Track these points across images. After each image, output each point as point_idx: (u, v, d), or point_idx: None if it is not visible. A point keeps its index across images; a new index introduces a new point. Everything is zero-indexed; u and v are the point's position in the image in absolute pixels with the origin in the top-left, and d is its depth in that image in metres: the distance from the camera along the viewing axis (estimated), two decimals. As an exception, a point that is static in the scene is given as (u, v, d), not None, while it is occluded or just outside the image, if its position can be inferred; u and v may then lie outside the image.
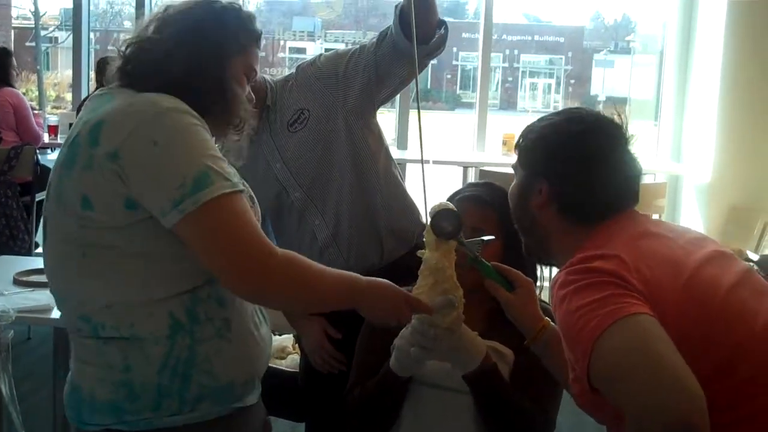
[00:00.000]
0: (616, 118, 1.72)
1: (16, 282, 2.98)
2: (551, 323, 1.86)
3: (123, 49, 1.73)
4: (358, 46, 2.52)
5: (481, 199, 2.13)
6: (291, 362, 2.89)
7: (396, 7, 2.38)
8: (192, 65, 1.68)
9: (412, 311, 1.80)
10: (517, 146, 1.77)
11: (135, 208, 1.56)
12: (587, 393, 1.45)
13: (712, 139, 5.52)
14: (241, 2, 1.84)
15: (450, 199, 2.15)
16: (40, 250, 5.72)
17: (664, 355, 1.34)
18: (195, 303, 1.64)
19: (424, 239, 1.87)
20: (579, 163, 1.66)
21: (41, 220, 1.77)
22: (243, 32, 1.78)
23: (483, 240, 1.89)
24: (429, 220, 1.84)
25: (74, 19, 6.60)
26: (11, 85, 5.80)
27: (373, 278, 1.77)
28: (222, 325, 1.67)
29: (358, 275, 1.77)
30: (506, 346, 2.05)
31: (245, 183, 1.70)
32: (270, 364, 2.50)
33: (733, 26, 5.38)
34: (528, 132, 1.76)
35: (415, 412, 2.04)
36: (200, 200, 1.52)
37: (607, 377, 1.40)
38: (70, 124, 5.89)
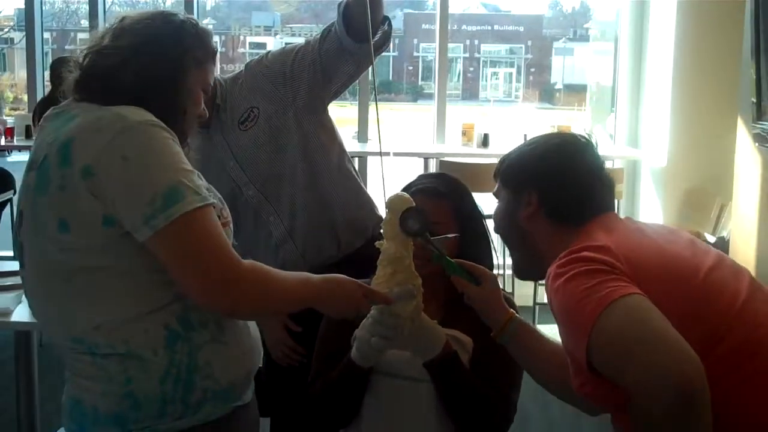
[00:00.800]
0: (585, 135, 1.92)
1: (-23, 286, 2.95)
2: (517, 315, 1.94)
3: (81, 60, 1.71)
4: (303, 42, 2.53)
5: (435, 191, 2.16)
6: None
7: (339, 4, 2.39)
8: (148, 77, 1.67)
9: (371, 302, 1.82)
10: (497, 174, 1.90)
11: (113, 224, 1.56)
12: (589, 382, 1.52)
13: (666, 124, 5.59)
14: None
15: (404, 191, 2.17)
16: (1, 253, 5.67)
17: (661, 327, 1.42)
18: (185, 310, 1.65)
19: (382, 230, 1.89)
20: (561, 168, 1.81)
21: (17, 246, 1.74)
22: (200, 48, 1.77)
23: (447, 237, 1.94)
24: (395, 216, 1.86)
25: (27, 19, 6.51)
26: None
27: (327, 275, 1.80)
28: (215, 329, 1.69)
29: (310, 275, 1.78)
30: (465, 334, 2.07)
31: (215, 192, 1.74)
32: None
33: (685, 11, 5.44)
34: (506, 158, 1.90)
35: (377, 401, 2.06)
36: (171, 216, 1.53)
37: (608, 356, 1.47)
38: (27, 126, 5.78)
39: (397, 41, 22.19)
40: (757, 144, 3.56)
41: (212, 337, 1.68)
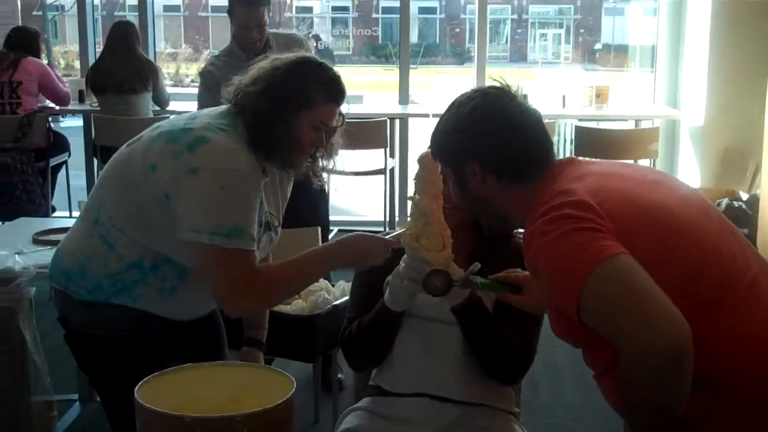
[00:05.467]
0: (495, 83, 1.86)
1: (35, 241, 3.13)
2: None
3: (233, 96, 2.15)
4: None
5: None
6: (296, 307, 3.05)
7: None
8: (263, 117, 2.08)
9: (391, 248, 2.09)
10: (434, 154, 1.91)
11: (169, 201, 2.02)
12: (571, 329, 1.61)
13: (704, 85, 5.62)
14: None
15: None
16: (58, 213, 5.90)
17: (650, 290, 1.48)
18: (163, 263, 2.12)
19: (414, 185, 2.02)
20: (488, 129, 1.78)
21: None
22: (313, 90, 2.10)
23: (473, 271, 2.00)
24: (426, 172, 1.96)
25: (77, -14, 6.72)
26: (35, 56, 5.95)
27: (344, 237, 2.17)
28: (168, 288, 2.14)
29: (328, 244, 2.16)
30: (490, 281, 2.21)
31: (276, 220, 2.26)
32: (276, 310, 2.69)
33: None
34: (434, 138, 1.89)
35: (408, 342, 2.20)
36: (225, 245, 1.98)
37: (600, 315, 1.53)
38: (80, 91, 5.95)
39: (444, 3, 22.02)
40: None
41: (160, 290, 2.13)
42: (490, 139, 1.78)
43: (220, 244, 1.97)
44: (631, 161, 5.02)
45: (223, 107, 2.18)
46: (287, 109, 2.09)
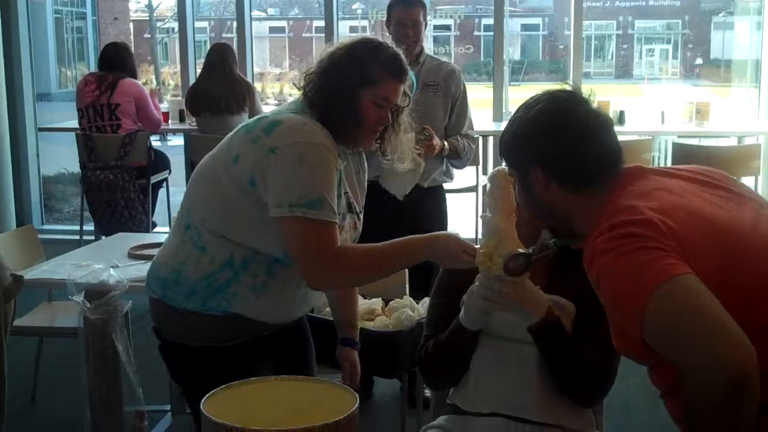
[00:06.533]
0: (566, 87, 1.83)
1: (130, 255, 3.25)
2: None
3: (302, 80, 2.24)
4: None
5: None
6: (379, 324, 3.05)
7: None
8: (326, 94, 2.15)
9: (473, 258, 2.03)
10: (503, 159, 1.90)
11: (254, 186, 2.08)
12: (633, 346, 1.58)
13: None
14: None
15: None
16: (158, 229, 6.07)
17: (715, 313, 1.44)
18: (252, 259, 2.16)
19: (488, 203, 2.01)
20: (552, 134, 1.75)
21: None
22: (373, 68, 2.15)
23: (544, 240, 2.00)
24: (498, 190, 1.97)
25: (179, 9, 6.93)
26: (133, 76, 5.96)
27: (426, 235, 2.16)
28: (260, 285, 2.18)
29: (408, 238, 2.14)
30: (567, 299, 2.17)
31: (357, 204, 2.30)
32: (360, 326, 2.71)
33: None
34: (501, 141, 1.87)
35: (484, 362, 2.19)
36: (307, 214, 2.03)
37: (662, 337, 1.51)
38: (180, 111, 6.08)
39: (546, 20, 21.89)
40: None
41: (252, 287, 2.18)
42: (553, 143, 1.75)
43: (302, 215, 2.02)
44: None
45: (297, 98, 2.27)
46: (348, 86, 2.14)
